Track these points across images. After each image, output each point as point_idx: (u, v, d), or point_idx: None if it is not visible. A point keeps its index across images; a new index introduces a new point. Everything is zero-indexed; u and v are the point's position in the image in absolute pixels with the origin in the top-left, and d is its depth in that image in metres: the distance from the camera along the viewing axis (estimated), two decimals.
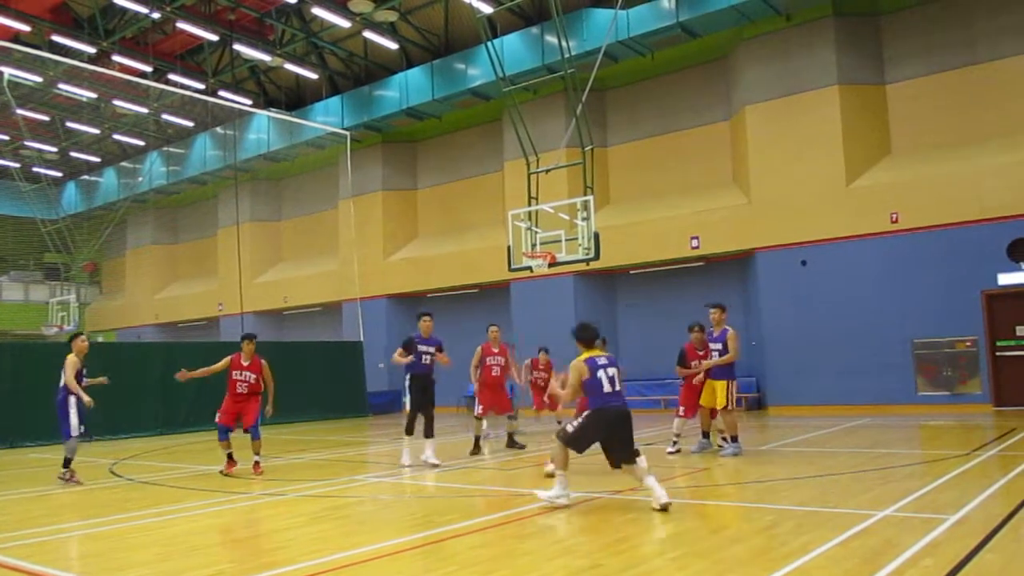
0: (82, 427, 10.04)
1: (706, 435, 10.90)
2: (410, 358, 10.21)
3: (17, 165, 32.25)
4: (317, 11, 21.72)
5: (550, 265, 14.49)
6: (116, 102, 27.82)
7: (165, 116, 28.93)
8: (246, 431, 10.27)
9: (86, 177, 35.94)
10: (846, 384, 16.89)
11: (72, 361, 10.10)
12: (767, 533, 5.74)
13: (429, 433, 10.27)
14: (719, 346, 10.42)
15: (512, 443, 11.94)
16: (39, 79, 25.66)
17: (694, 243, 19.37)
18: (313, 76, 26.12)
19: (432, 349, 10.42)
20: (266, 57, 24.43)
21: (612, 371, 7.03)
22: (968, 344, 15.92)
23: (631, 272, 21.52)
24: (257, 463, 10.18)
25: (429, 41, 23.95)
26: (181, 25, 22.53)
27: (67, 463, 10.11)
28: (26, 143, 30.21)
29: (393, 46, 23.75)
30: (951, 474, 8.01)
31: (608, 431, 6.91)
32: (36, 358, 16.42)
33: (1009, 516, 5.96)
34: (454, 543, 5.84)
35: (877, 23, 17.92)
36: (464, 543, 5.86)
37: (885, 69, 17.80)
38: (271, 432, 16.75)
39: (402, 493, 8.57)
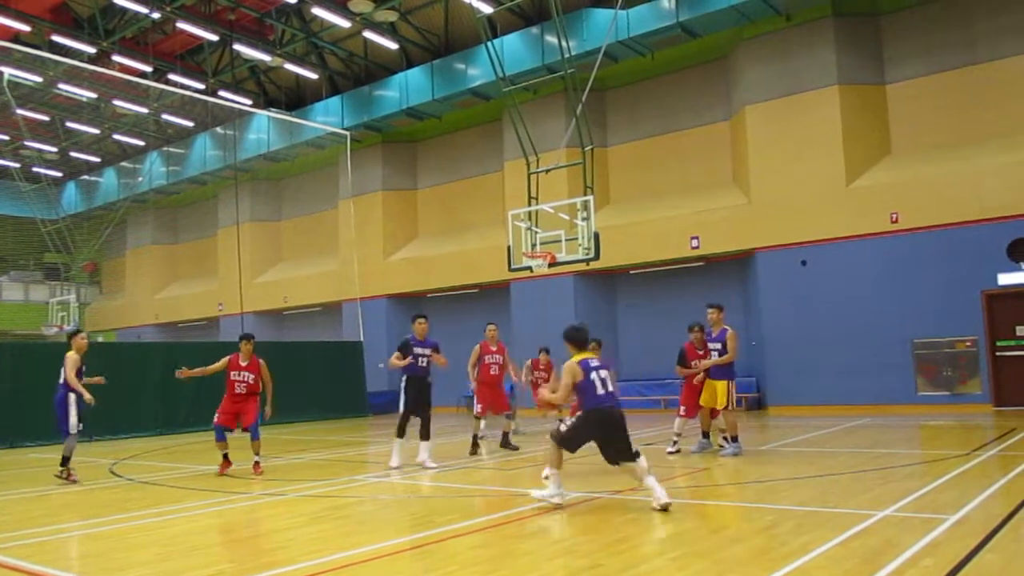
0: (80, 425, 10.05)
1: (706, 435, 10.90)
2: (408, 360, 10.18)
3: (17, 165, 32.26)
4: (317, 11, 21.72)
5: (550, 265, 14.49)
6: (116, 102, 27.82)
7: (165, 116, 28.94)
8: (245, 431, 10.27)
9: (86, 177, 35.94)
10: (846, 384, 16.89)
11: (73, 358, 10.11)
12: (767, 533, 5.74)
13: (425, 436, 10.24)
14: (718, 346, 10.42)
15: (506, 443, 11.91)
16: (39, 79, 25.66)
17: (694, 243, 19.37)
18: (313, 76, 26.12)
19: (428, 351, 10.36)
20: (266, 57, 24.43)
21: (604, 373, 7.07)
22: (968, 344, 15.92)
23: (631, 272, 21.52)
24: (257, 463, 10.18)
25: (429, 41, 23.95)
26: (181, 25, 22.54)
27: (65, 461, 10.12)
28: (26, 143, 30.21)
29: (393, 46, 23.75)
30: (951, 474, 8.01)
31: (602, 432, 6.93)
32: (36, 358, 16.42)
33: (1009, 516, 5.96)
34: (454, 543, 5.84)
35: (877, 23, 17.92)
36: (464, 543, 5.85)
37: (885, 69, 17.80)
38: (271, 432, 16.76)
39: (402, 493, 8.57)
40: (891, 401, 16.40)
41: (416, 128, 25.77)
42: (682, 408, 10.96)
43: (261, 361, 10.43)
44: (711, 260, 19.99)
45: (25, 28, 22.83)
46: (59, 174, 35.21)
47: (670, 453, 10.60)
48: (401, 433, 10.18)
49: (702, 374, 10.55)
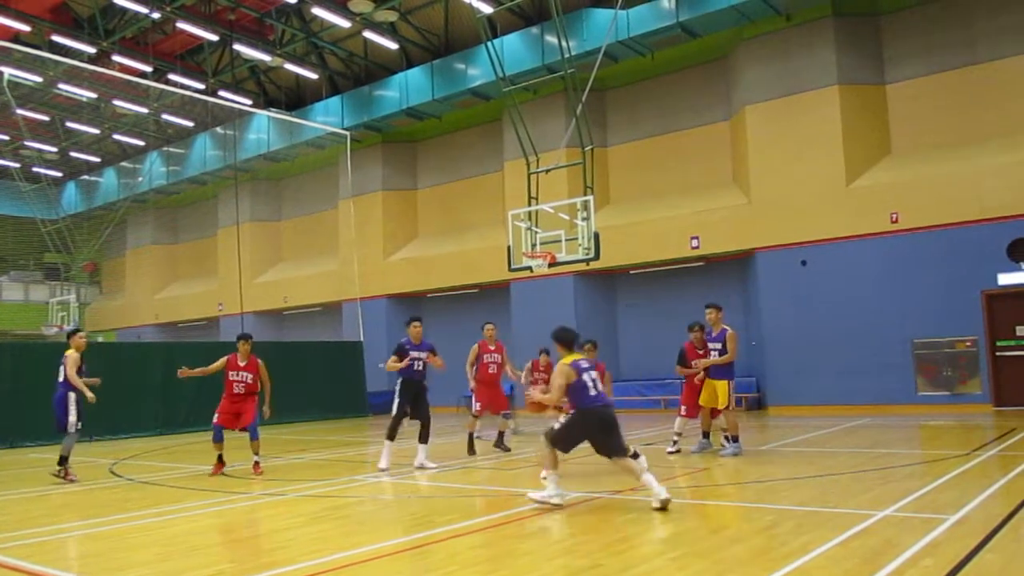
0: (79, 423, 10.07)
1: (706, 435, 10.90)
2: (406, 363, 10.14)
3: (17, 165, 32.25)
4: (317, 11, 21.72)
5: (550, 265, 14.49)
6: (116, 102, 27.82)
7: (165, 116, 28.94)
8: (244, 431, 10.27)
9: (86, 177, 35.94)
10: (846, 384, 16.89)
11: (73, 357, 10.14)
12: (767, 533, 5.74)
13: (424, 439, 10.22)
14: (718, 346, 10.42)
15: (500, 443, 11.88)
16: (39, 79, 25.66)
17: (694, 243, 19.37)
18: (313, 76, 26.12)
19: (424, 355, 10.28)
20: (266, 57, 24.43)
21: (594, 374, 7.17)
22: (968, 344, 15.92)
23: (631, 272, 21.52)
24: (257, 463, 10.18)
25: (429, 41, 23.95)
26: (181, 25, 22.54)
27: (63, 461, 10.13)
28: (26, 143, 30.21)
29: (393, 46, 23.75)
30: (951, 474, 8.01)
31: (594, 431, 6.99)
32: (36, 358, 16.41)
33: (1009, 516, 5.96)
34: (454, 543, 5.84)
35: (877, 23, 17.92)
36: (464, 543, 5.85)
37: (885, 69, 17.80)
38: (271, 432, 16.76)
39: (402, 493, 8.57)
40: (891, 401, 16.40)
41: (416, 128, 25.77)
42: (683, 408, 10.97)
43: (259, 361, 10.43)
44: (711, 260, 19.99)
45: (25, 28, 22.83)
46: (59, 174, 35.21)
47: (670, 453, 10.60)
48: (392, 436, 10.08)
49: (702, 373, 10.55)
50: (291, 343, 24.92)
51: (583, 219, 14.21)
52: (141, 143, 31.83)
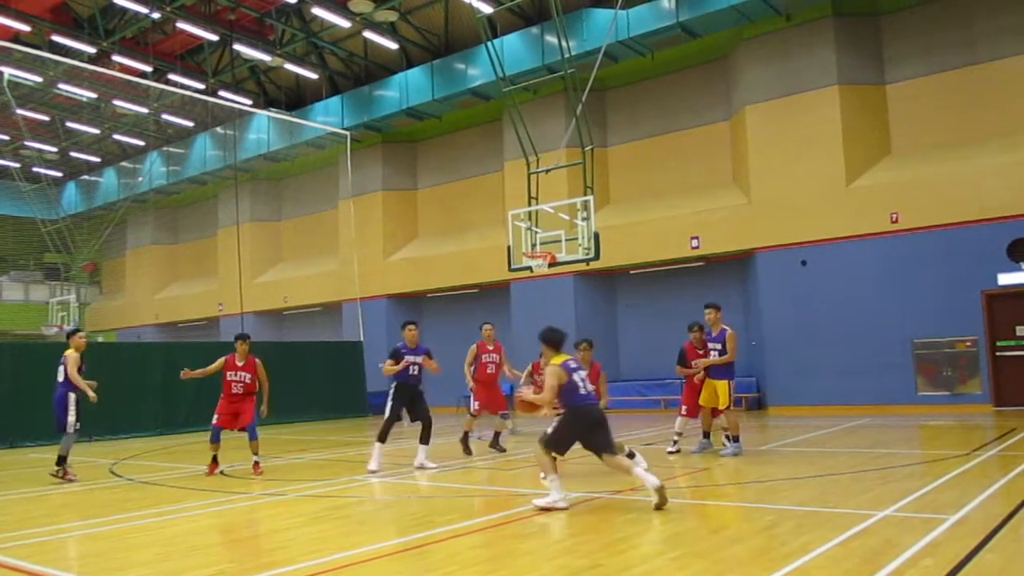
0: (78, 424, 10.09)
1: (707, 435, 10.91)
2: (402, 366, 10.11)
3: (17, 165, 32.25)
4: (317, 11, 21.72)
5: (550, 265, 14.49)
6: (116, 102, 27.82)
7: (165, 116, 28.94)
8: (242, 431, 10.27)
9: (86, 177, 35.94)
10: (846, 384, 16.89)
11: (73, 356, 10.17)
12: (767, 533, 5.74)
13: (425, 440, 10.20)
14: (718, 346, 10.43)
15: (495, 443, 11.87)
16: (39, 79, 25.66)
17: (694, 243, 19.37)
18: (313, 76, 26.12)
19: (419, 359, 10.23)
20: (266, 57, 24.43)
21: (583, 373, 7.26)
22: (968, 344, 15.92)
23: (631, 272, 21.52)
24: (257, 463, 10.19)
25: (429, 41, 23.95)
26: (181, 25, 22.54)
27: (61, 461, 10.14)
28: (26, 143, 30.21)
29: (393, 46, 23.75)
30: (951, 474, 8.01)
31: (587, 430, 7.04)
32: (36, 358, 16.41)
33: (1009, 516, 5.96)
34: (454, 543, 5.84)
35: (877, 23, 17.92)
36: (464, 543, 5.86)
37: (885, 69, 17.80)
38: (272, 432, 16.76)
39: (402, 493, 8.57)
40: (891, 401, 16.40)
41: (416, 128, 25.77)
42: (683, 408, 10.98)
43: (257, 360, 10.44)
44: (711, 260, 19.99)
45: (25, 28, 22.83)
46: (59, 174, 35.21)
47: (670, 453, 10.61)
48: (383, 439, 10.01)
49: (702, 373, 10.55)
50: (291, 343, 24.92)
51: (583, 219, 14.21)
52: (141, 143, 31.83)
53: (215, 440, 10.23)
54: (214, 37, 23.34)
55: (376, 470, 9.81)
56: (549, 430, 7.11)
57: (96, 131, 31.12)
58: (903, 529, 5.69)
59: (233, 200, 27.10)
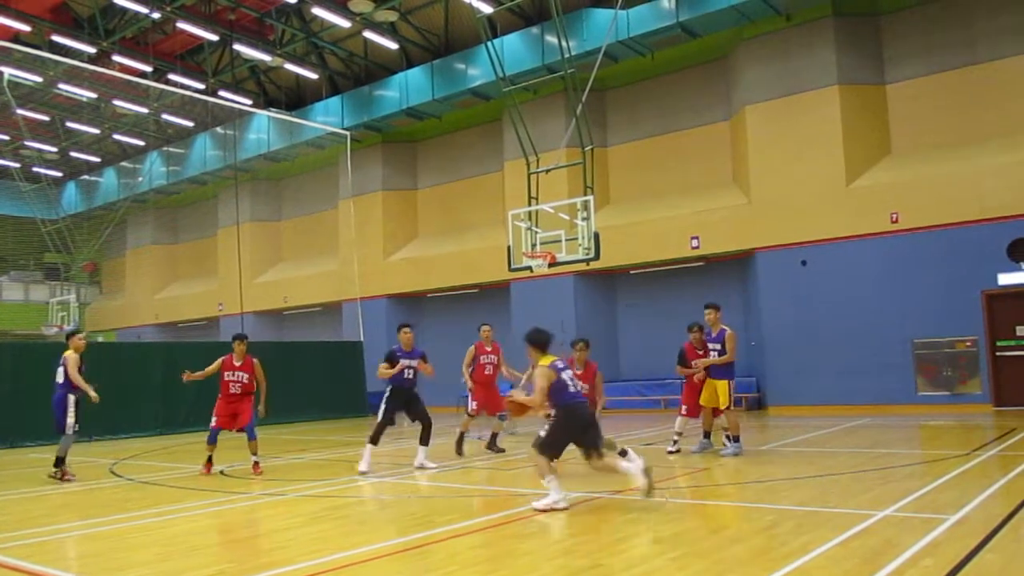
0: (76, 425, 10.11)
1: (707, 435, 10.91)
2: (397, 370, 10.09)
3: (17, 165, 32.25)
4: (317, 11, 21.72)
5: (550, 265, 14.48)
6: (116, 102, 27.82)
7: (165, 116, 28.94)
8: (241, 432, 10.27)
9: (86, 177, 35.95)
10: (846, 384, 16.89)
11: (73, 358, 10.18)
12: (767, 533, 5.74)
13: (425, 441, 10.19)
14: (718, 346, 10.43)
15: (492, 445, 11.85)
16: (39, 79, 25.66)
17: (694, 243, 19.37)
18: (313, 76, 26.12)
19: (415, 362, 10.20)
20: (266, 57, 24.43)
21: (571, 372, 7.33)
22: (968, 344, 15.92)
23: (631, 272, 21.52)
24: (256, 463, 10.19)
25: (429, 41, 23.95)
26: (181, 25, 22.54)
27: (59, 462, 10.15)
28: (26, 143, 30.21)
29: (393, 46, 23.75)
30: (951, 474, 8.01)
31: (579, 428, 7.06)
32: (36, 358, 16.40)
33: (1009, 516, 5.96)
34: (454, 543, 5.84)
35: (877, 23, 17.92)
36: (464, 543, 5.86)
37: (885, 69, 17.80)
38: (272, 432, 16.75)
39: (402, 493, 8.57)
40: (891, 401, 16.40)
41: (416, 128, 25.77)
42: (683, 407, 10.98)
43: (255, 361, 10.43)
44: (711, 260, 19.99)
45: (25, 28, 22.83)
46: (59, 174, 35.21)
47: (670, 452, 10.61)
48: (375, 441, 9.97)
49: (702, 373, 10.56)
50: (291, 343, 24.92)
51: (583, 219, 14.20)
52: (141, 143, 31.83)
53: (212, 442, 10.25)
54: (214, 37, 23.34)
55: (366, 471, 9.74)
56: (543, 433, 7.12)
57: (96, 131, 31.11)
58: (903, 529, 5.69)
59: (233, 200, 27.11)
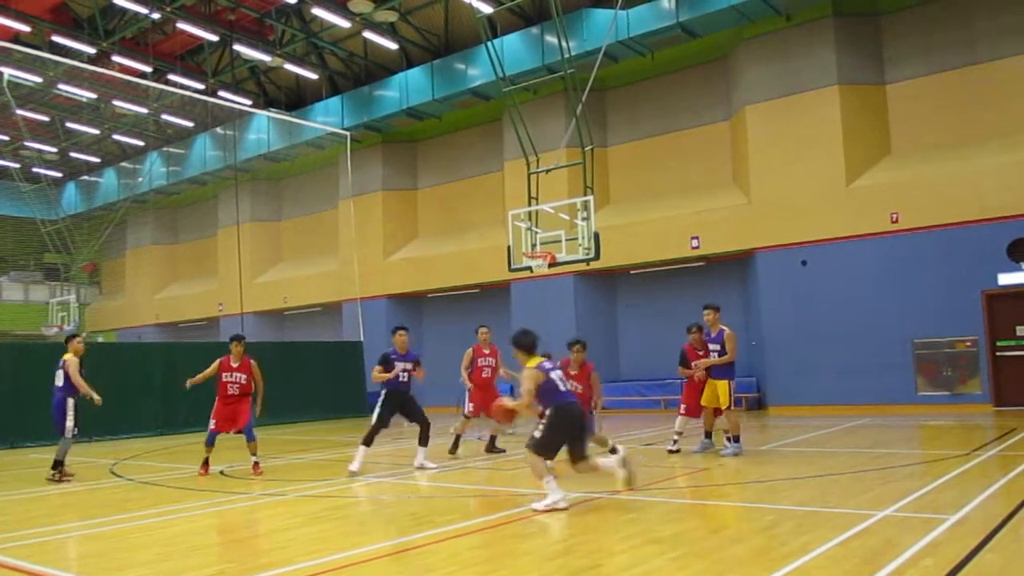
0: (76, 429, 10.13)
1: (708, 435, 10.91)
2: (394, 374, 10.05)
3: (17, 165, 32.25)
4: (317, 11, 21.71)
5: (550, 265, 14.48)
6: (116, 102, 27.82)
7: (165, 116, 28.94)
8: (239, 433, 10.26)
9: (86, 177, 35.95)
10: (846, 384, 16.89)
11: (73, 361, 10.20)
12: (767, 533, 5.74)
13: (424, 442, 10.19)
14: (718, 346, 10.45)
15: (492, 446, 11.85)
16: (39, 79, 25.66)
17: (694, 243, 19.37)
18: (313, 76, 26.12)
19: (409, 366, 10.19)
20: (266, 57, 24.43)
21: (559, 372, 7.35)
22: (968, 344, 15.92)
23: (631, 272, 21.52)
24: (256, 463, 10.19)
25: (429, 41, 23.95)
26: (181, 25, 22.53)
27: (57, 465, 10.16)
28: (26, 143, 30.20)
29: (393, 46, 23.75)
30: (951, 474, 8.01)
31: (571, 428, 7.07)
32: (36, 358, 16.41)
33: (1009, 516, 5.96)
34: (454, 543, 5.84)
35: (877, 23, 17.92)
36: (464, 543, 5.86)
37: (885, 69, 17.80)
38: (272, 432, 16.75)
39: (402, 493, 8.57)
40: (891, 401, 16.40)
41: (416, 128, 25.77)
42: (682, 407, 10.98)
43: (252, 361, 10.42)
44: (711, 260, 19.99)
45: (25, 28, 22.82)
46: (59, 174, 35.21)
47: (670, 451, 10.62)
48: (368, 443, 9.94)
49: (703, 372, 10.56)
50: (291, 343, 24.90)
51: (583, 219, 14.20)
52: (141, 143, 31.82)
53: (210, 444, 10.26)
54: (214, 37, 23.34)
55: (357, 472, 9.69)
56: (536, 434, 7.06)
57: (96, 131, 31.11)
58: (903, 529, 5.69)
59: (233, 200, 27.11)
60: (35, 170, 31.94)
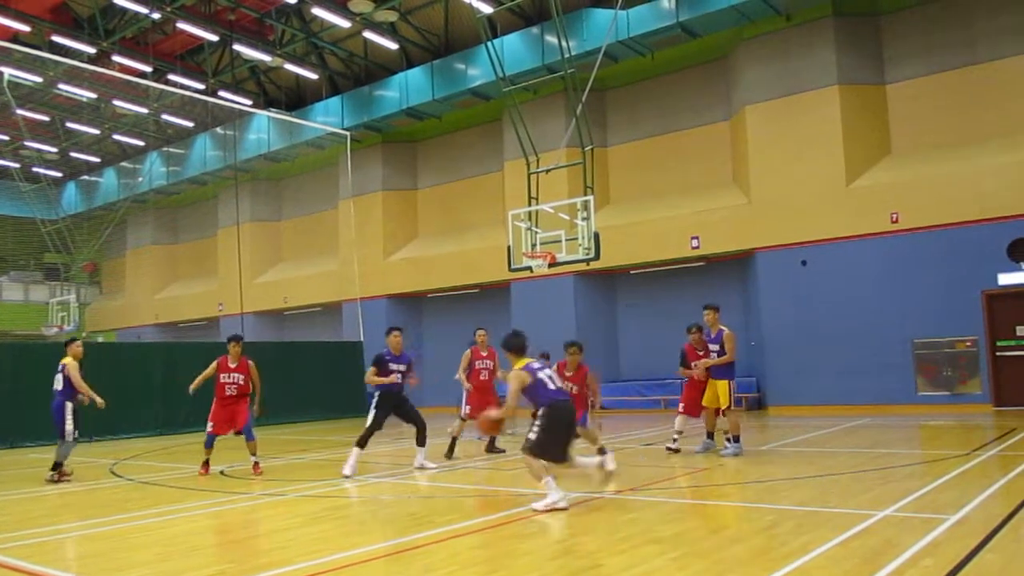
0: (76, 432, 10.14)
1: (710, 435, 10.91)
2: (391, 378, 10.03)
3: (17, 165, 32.24)
4: (317, 11, 21.72)
5: (550, 265, 14.48)
6: (116, 102, 27.82)
7: (165, 116, 28.93)
8: (239, 433, 10.25)
9: (86, 177, 35.94)
10: (846, 384, 16.89)
11: (73, 365, 10.22)
12: (767, 533, 5.74)
13: (421, 443, 10.18)
14: (717, 346, 10.45)
15: (492, 447, 11.84)
16: (39, 79, 25.66)
17: (694, 243, 19.37)
18: (313, 76, 26.12)
19: (403, 367, 10.15)
20: (266, 57, 24.43)
21: (549, 371, 7.32)
22: (968, 344, 15.92)
23: (631, 272, 21.52)
24: (256, 464, 10.19)
25: (429, 41, 23.95)
26: (181, 25, 22.53)
27: (56, 467, 10.16)
28: (26, 143, 30.20)
29: (393, 46, 23.75)
30: (951, 474, 8.01)
31: (566, 426, 7.08)
32: (36, 358, 16.42)
33: (1009, 516, 5.96)
34: (454, 543, 5.84)
35: (877, 23, 17.92)
36: (464, 543, 5.86)
37: (885, 69, 17.80)
38: (272, 432, 16.75)
39: (402, 493, 8.57)
40: (891, 401, 16.40)
41: (416, 128, 25.77)
42: (681, 406, 10.98)
43: (250, 362, 10.40)
44: (711, 260, 19.99)
45: (25, 28, 22.82)
46: (59, 174, 35.21)
47: (669, 450, 10.62)
48: (362, 444, 9.94)
49: (703, 372, 10.56)
50: (291, 343, 24.91)
51: (583, 219, 14.20)
52: (141, 143, 31.83)
53: (209, 446, 10.26)
54: (214, 37, 23.34)
55: (350, 475, 9.61)
56: (531, 435, 7.02)
57: (96, 131, 31.11)
58: (903, 529, 5.69)
59: (233, 200, 27.11)
60: (35, 170, 31.93)
